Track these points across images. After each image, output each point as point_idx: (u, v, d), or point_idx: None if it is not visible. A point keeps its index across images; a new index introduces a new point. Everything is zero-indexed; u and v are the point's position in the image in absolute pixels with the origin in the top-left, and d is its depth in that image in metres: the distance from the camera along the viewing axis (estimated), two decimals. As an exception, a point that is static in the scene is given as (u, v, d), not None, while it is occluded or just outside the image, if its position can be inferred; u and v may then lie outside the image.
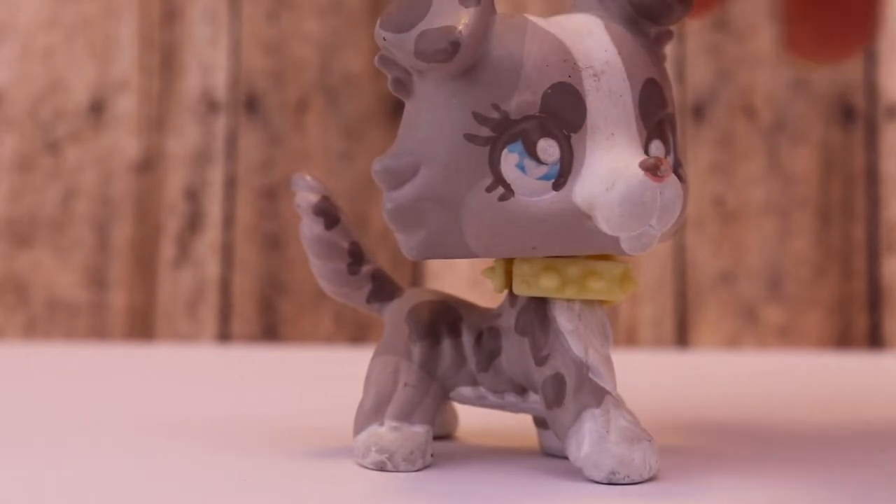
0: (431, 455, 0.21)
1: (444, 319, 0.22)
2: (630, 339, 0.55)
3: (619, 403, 0.20)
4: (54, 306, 0.58)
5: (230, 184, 0.58)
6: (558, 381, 0.20)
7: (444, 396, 0.22)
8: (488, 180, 0.19)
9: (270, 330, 0.57)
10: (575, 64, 0.19)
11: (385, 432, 0.21)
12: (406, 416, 0.21)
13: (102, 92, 0.59)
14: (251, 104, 0.58)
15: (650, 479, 0.19)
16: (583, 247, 0.19)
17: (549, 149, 0.19)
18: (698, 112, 0.55)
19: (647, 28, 0.20)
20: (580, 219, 0.19)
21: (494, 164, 0.19)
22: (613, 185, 0.18)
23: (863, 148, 0.55)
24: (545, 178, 0.19)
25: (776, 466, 0.21)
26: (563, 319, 0.20)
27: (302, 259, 0.58)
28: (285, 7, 0.58)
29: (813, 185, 0.55)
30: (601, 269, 0.20)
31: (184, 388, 0.36)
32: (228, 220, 0.58)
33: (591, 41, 0.19)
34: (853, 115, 0.55)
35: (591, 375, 0.20)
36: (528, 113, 0.19)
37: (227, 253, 0.57)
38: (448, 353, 0.22)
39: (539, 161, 0.19)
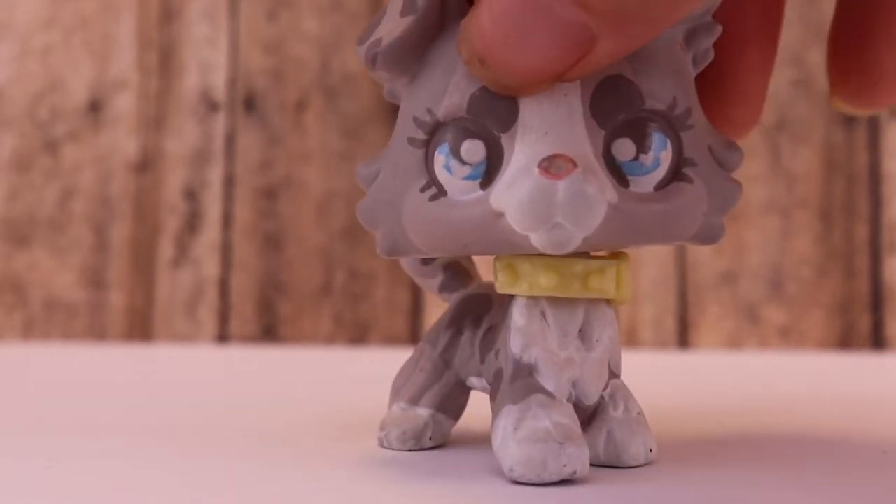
0: (430, 438, 0.22)
1: (473, 312, 0.23)
2: (631, 339, 0.55)
3: (549, 404, 0.19)
4: (52, 306, 0.58)
5: (229, 183, 0.58)
6: (498, 375, 0.20)
7: (461, 385, 0.23)
8: (423, 181, 0.19)
9: (269, 330, 0.57)
10: None
11: (393, 411, 0.23)
12: (415, 399, 0.23)
13: (101, 91, 0.59)
14: (250, 103, 0.58)
15: (566, 482, 0.19)
16: (503, 246, 0.19)
17: (472, 149, 0.19)
18: (699, 111, 0.55)
19: None
20: (495, 217, 0.19)
21: (429, 165, 0.19)
22: (513, 182, 0.18)
23: (865, 148, 0.55)
24: (470, 178, 0.19)
25: (777, 467, 0.21)
26: (517, 315, 0.20)
27: (301, 259, 0.58)
28: (284, 6, 0.58)
29: (815, 184, 0.55)
30: (558, 264, 0.20)
31: (182, 388, 0.36)
32: (227, 220, 0.58)
33: None
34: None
35: (533, 374, 0.20)
36: (455, 115, 0.19)
37: (226, 253, 0.57)
38: (465, 343, 0.23)
39: (463, 161, 0.19)
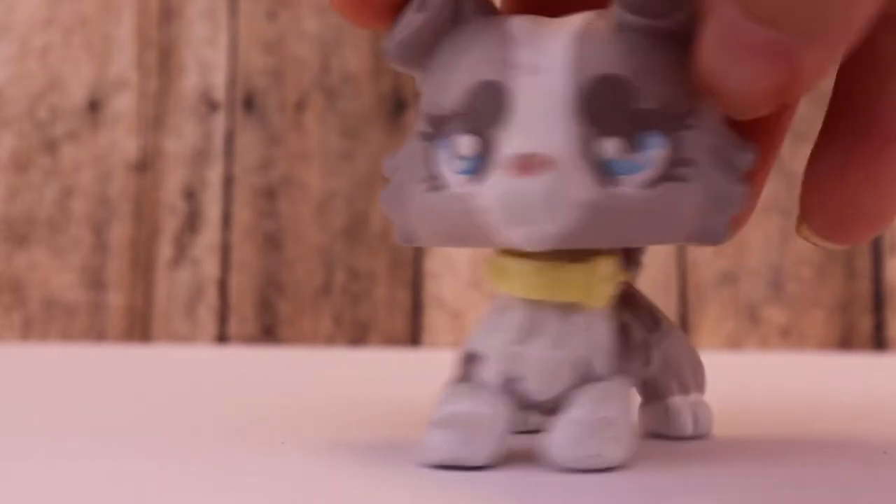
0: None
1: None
2: (631, 339, 0.55)
3: (468, 393, 0.20)
4: (51, 306, 0.58)
5: (228, 183, 0.58)
6: None
7: None
8: (425, 173, 0.20)
9: (269, 331, 0.57)
10: (511, 62, 0.19)
11: None
12: None
13: (100, 91, 0.58)
14: (250, 103, 0.58)
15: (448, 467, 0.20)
16: (489, 240, 0.19)
17: (467, 144, 0.19)
18: (699, 111, 0.55)
19: (652, 23, 0.19)
20: (480, 213, 0.19)
21: (431, 159, 0.20)
22: (491, 179, 0.19)
23: (865, 147, 0.54)
24: (464, 172, 0.19)
25: (776, 467, 0.21)
26: (487, 310, 0.21)
27: (301, 259, 0.58)
28: (284, 5, 0.58)
29: (815, 184, 0.55)
30: (547, 269, 0.20)
31: (181, 389, 0.36)
32: (227, 220, 0.57)
33: (553, 39, 0.19)
34: (855, 114, 0.55)
35: (474, 363, 0.20)
36: (455, 111, 0.20)
37: (225, 253, 0.57)
38: None
39: (459, 156, 0.19)
